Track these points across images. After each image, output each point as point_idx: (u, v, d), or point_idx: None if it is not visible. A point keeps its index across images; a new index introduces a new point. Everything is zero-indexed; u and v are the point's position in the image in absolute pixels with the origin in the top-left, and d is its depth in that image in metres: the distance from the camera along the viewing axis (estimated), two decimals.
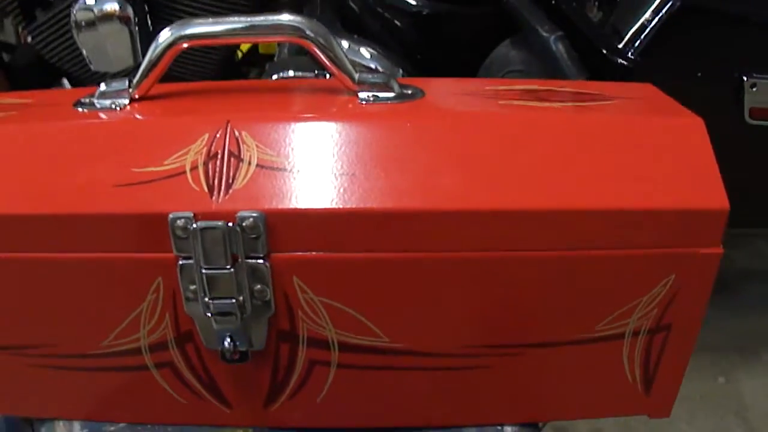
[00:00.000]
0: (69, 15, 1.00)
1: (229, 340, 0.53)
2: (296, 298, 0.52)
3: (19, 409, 0.62)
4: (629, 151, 0.52)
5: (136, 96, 0.57)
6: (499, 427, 0.59)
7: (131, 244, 0.51)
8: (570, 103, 0.58)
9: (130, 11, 0.97)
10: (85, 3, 0.98)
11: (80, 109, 0.57)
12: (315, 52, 0.55)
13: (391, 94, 0.56)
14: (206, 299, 0.51)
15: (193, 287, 0.52)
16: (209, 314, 0.52)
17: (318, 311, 0.53)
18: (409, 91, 0.57)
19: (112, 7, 0.98)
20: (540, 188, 0.51)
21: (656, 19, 0.75)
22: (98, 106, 0.57)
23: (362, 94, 0.56)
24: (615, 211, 0.50)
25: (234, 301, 0.51)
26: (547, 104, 0.57)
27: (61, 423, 0.61)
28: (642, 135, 0.53)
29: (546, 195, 0.50)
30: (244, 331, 0.53)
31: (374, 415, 0.58)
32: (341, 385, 0.56)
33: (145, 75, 0.56)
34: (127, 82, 0.57)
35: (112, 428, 0.60)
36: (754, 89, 0.84)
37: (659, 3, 0.76)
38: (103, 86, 0.58)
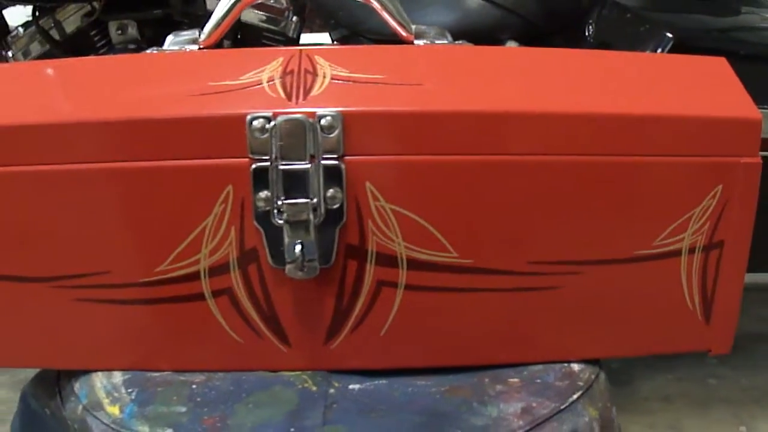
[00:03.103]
0: None
1: (300, 248, 0.52)
2: (367, 206, 0.53)
3: (53, 360, 0.57)
4: (670, 77, 0.58)
5: (203, 46, 0.61)
6: (566, 364, 0.57)
7: (203, 150, 0.52)
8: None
9: None
10: None
11: (153, 52, 0.60)
12: (372, 3, 0.60)
13: (445, 41, 0.61)
14: (279, 201, 0.51)
15: (264, 194, 0.52)
16: (281, 221, 0.52)
17: (388, 221, 0.53)
18: (461, 42, 0.62)
19: None
20: (594, 96, 0.55)
21: None
22: (169, 50, 0.60)
23: (418, 41, 0.60)
24: (663, 116, 0.54)
25: (308, 201, 0.51)
26: None
27: (99, 373, 0.57)
28: (679, 66, 0.59)
29: (601, 101, 0.54)
30: (315, 242, 0.53)
31: (438, 352, 0.56)
32: (406, 312, 0.55)
33: (216, 25, 0.60)
34: (197, 32, 0.60)
35: (157, 375, 0.56)
36: None
37: (655, 42, 0.85)
38: (171, 36, 0.61)
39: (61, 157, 0.52)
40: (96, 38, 1.03)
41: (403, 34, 0.60)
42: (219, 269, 0.54)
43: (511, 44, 0.94)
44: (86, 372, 0.58)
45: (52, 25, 1.02)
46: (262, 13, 1.05)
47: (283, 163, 0.51)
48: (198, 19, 1.03)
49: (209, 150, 0.52)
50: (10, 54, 1.03)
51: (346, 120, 0.51)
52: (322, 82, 0.53)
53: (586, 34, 0.93)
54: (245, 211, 0.53)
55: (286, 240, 0.52)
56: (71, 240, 0.54)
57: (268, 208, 0.52)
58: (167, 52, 0.59)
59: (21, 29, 1.03)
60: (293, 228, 0.52)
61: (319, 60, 0.55)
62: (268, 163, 0.51)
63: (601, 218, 0.55)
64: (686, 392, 1.09)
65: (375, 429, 0.50)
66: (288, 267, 0.53)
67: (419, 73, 0.55)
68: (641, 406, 1.08)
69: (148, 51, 0.60)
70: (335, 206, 0.52)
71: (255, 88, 0.53)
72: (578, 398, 0.55)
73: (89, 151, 0.52)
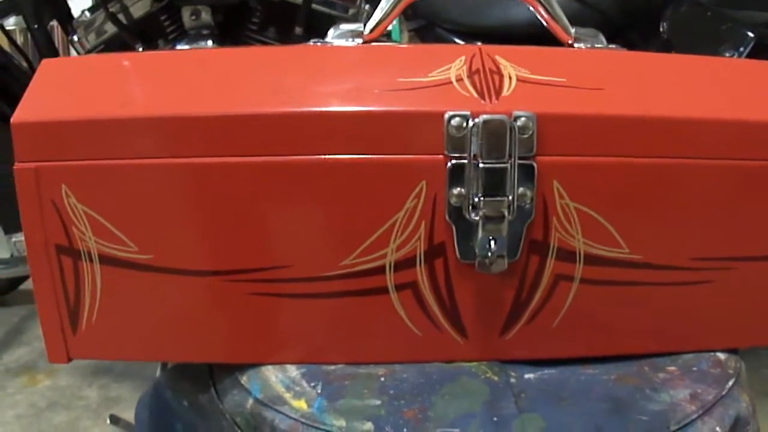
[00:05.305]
0: None
1: (494, 244, 0.53)
2: (553, 203, 0.55)
3: (221, 353, 0.58)
4: None
5: (366, 40, 0.61)
6: (712, 353, 0.61)
7: (398, 146, 0.53)
8: None
9: None
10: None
11: (317, 44, 0.60)
12: (535, 5, 0.62)
13: (602, 45, 0.63)
14: (476, 198, 0.53)
15: (458, 190, 0.53)
16: (476, 217, 0.53)
17: (571, 218, 0.55)
18: (614, 45, 0.64)
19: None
20: (750, 104, 0.57)
21: (736, 55, 0.88)
22: (335, 44, 0.60)
23: (577, 45, 0.62)
24: None
25: (505, 199, 0.53)
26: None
27: (270, 367, 0.57)
28: None
29: (755, 109, 0.57)
30: (506, 238, 0.54)
31: (603, 342, 0.59)
32: (579, 304, 0.57)
33: (382, 19, 0.61)
34: (362, 25, 0.61)
35: (334, 368, 0.57)
36: None
37: (736, 41, 0.88)
38: (332, 30, 0.61)
39: (253, 149, 0.53)
40: (166, 23, 1.01)
41: (564, 36, 0.62)
42: (405, 263, 0.55)
43: None
44: (252, 366, 0.58)
45: (120, 9, 1.00)
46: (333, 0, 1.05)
47: (484, 161, 0.52)
48: (271, 6, 1.02)
49: (405, 146, 0.53)
50: (75, 38, 1.00)
51: (539, 121, 0.53)
52: (509, 83, 0.55)
53: (661, 29, 0.96)
54: (437, 207, 0.54)
55: (480, 235, 0.54)
56: (254, 234, 0.54)
57: (460, 204, 0.54)
58: (334, 45, 0.60)
59: (87, 13, 1.00)
60: (488, 224, 0.53)
61: (501, 60, 0.56)
62: (465, 161, 0.53)
63: (755, 218, 0.58)
64: None
65: (568, 416, 0.53)
66: (478, 261, 0.54)
67: (597, 78, 0.57)
68: None
69: (311, 43, 0.61)
70: (526, 203, 0.54)
71: (446, 86, 0.54)
72: (733, 385, 0.59)
73: (283, 143, 0.53)
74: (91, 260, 0.55)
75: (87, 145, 0.53)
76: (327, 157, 0.53)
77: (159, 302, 0.57)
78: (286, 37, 1.04)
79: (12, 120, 0.53)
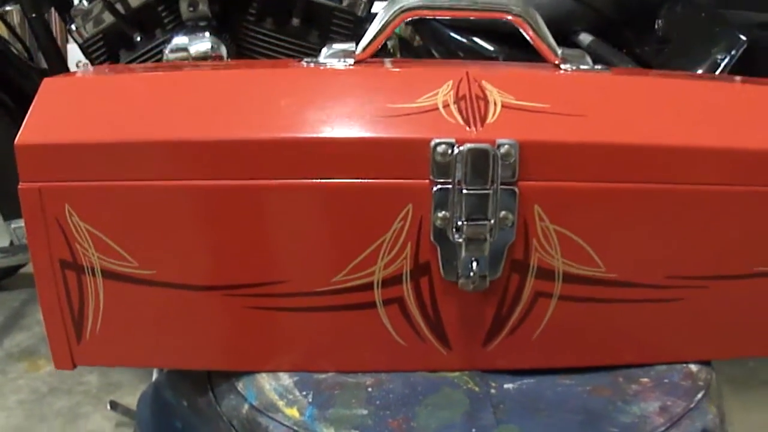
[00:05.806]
0: (154, 56, 1.05)
1: (475, 264, 0.56)
2: (534, 226, 0.57)
3: (218, 362, 0.61)
4: None
5: (358, 60, 0.63)
6: (685, 365, 0.64)
7: (386, 170, 0.55)
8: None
9: (223, 50, 1.02)
10: (178, 45, 1.03)
11: (309, 65, 0.62)
12: (523, 26, 0.64)
13: (588, 66, 0.64)
14: (460, 222, 0.55)
15: (442, 213, 0.56)
16: (460, 240, 0.56)
17: (551, 239, 0.58)
18: (599, 67, 0.66)
19: (206, 47, 1.03)
20: (730, 132, 0.60)
21: (728, 58, 0.89)
22: (327, 64, 0.62)
23: (564, 66, 0.64)
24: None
25: (488, 222, 0.56)
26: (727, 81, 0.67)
27: (264, 374, 0.61)
28: None
29: (739, 136, 0.59)
30: (488, 259, 0.57)
31: (580, 354, 0.62)
32: (557, 319, 0.60)
33: (372, 39, 0.62)
34: (354, 45, 0.63)
35: (325, 377, 0.60)
36: None
37: (728, 43, 0.89)
38: (325, 50, 0.63)
39: (249, 173, 0.55)
40: (163, 14, 1.02)
41: (551, 57, 0.63)
42: (392, 280, 0.58)
43: (585, 36, 0.98)
44: (248, 372, 0.62)
45: None
46: None
47: (468, 187, 0.55)
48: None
49: (393, 171, 0.55)
50: (73, 27, 1.01)
51: (521, 148, 0.55)
52: (494, 109, 0.57)
53: (655, 27, 0.97)
54: (422, 228, 0.57)
55: (463, 256, 0.56)
56: (252, 252, 0.57)
57: (445, 227, 0.56)
58: (327, 67, 0.61)
59: (85, 2, 1.01)
60: (471, 245, 0.56)
61: (487, 86, 0.58)
62: (449, 186, 0.55)
63: (727, 240, 0.61)
64: (728, 375, 1.16)
65: (543, 427, 0.56)
66: (461, 281, 0.57)
67: (580, 103, 0.58)
68: None
69: (304, 64, 0.62)
70: (507, 226, 0.56)
71: (432, 113, 0.56)
72: (702, 397, 0.62)
73: (277, 168, 0.55)
74: (94, 275, 0.58)
75: (89, 167, 0.56)
76: (319, 180, 0.55)
77: (159, 314, 0.60)
78: (283, 28, 1.05)
79: (16, 142, 0.55)
